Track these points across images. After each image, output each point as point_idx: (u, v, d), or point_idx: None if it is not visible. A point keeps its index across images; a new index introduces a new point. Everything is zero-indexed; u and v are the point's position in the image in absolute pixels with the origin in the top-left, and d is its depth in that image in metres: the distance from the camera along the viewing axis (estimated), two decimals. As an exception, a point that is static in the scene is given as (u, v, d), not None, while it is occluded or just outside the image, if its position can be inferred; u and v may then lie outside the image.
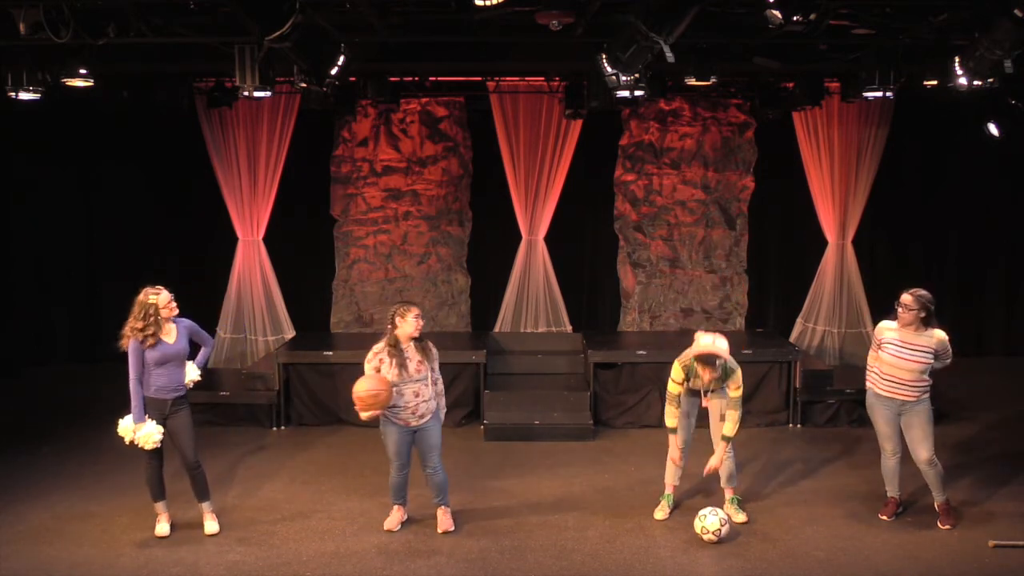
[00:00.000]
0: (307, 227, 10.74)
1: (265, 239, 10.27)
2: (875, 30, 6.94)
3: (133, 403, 5.84)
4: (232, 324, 10.22)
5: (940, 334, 5.98)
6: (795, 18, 5.24)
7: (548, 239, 10.38)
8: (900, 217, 10.90)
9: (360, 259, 10.69)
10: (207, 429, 8.17)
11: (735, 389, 6.05)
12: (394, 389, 5.85)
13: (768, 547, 5.90)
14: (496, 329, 10.31)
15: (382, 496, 6.72)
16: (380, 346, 5.95)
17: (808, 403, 8.72)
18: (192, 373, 6.09)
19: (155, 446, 5.88)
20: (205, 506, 6.19)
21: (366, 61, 7.85)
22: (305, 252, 10.75)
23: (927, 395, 6.03)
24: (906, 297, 5.98)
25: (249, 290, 10.24)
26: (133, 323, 5.82)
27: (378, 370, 5.90)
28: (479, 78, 9.93)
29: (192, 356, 6.13)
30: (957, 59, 6.27)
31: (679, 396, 6.18)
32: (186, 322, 6.04)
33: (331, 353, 8.83)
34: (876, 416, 6.18)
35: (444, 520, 6.17)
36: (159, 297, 5.85)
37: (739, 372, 6.08)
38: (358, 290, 10.71)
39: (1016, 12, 5.38)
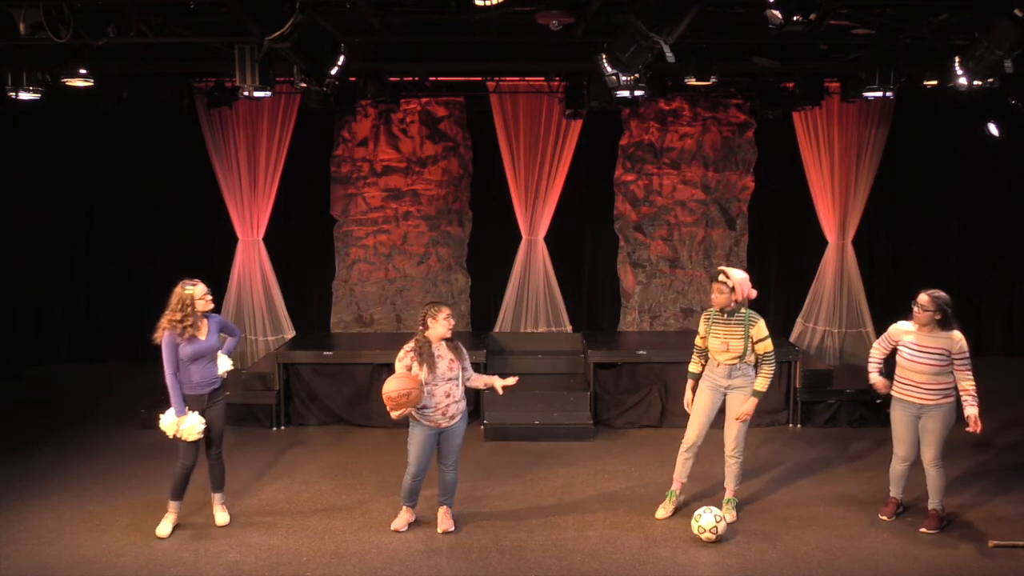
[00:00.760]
0: (307, 227, 10.74)
1: (265, 239, 10.28)
2: (875, 30, 6.94)
3: (172, 397, 5.87)
4: (232, 324, 10.22)
5: (958, 336, 5.87)
6: (795, 18, 5.24)
7: (548, 239, 10.38)
8: (900, 217, 10.91)
9: (360, 259, 10.70)
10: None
11: (762, 342, 6.09)
12: (425, 389, 5.85)
13: (768, 547, 5.90)
14: (496, 329, 10.31)
15: (382, 496, 6.73)
16: (411, 345, 5.95)
17: (808, 403, 8.72)
18: (224, 364, 6.15)
19: (199, 437, 5.93)
20: (217, 496, 6.28)
21: (366, 61, 7.86)
22: (305, 252, 10.76)
23: (948, 398, 5.92)
24: (923, 297, 5.94)
25: (249, 290, 10.25)
26: (171, 315, 5.84)
27: (409, 368, 5.90)
28: (479, 78, 9.94)
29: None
30: (957, 59, 6.27)
31: (704, 350, 6.32)
32: (216, 317, 6.11)
33: (331, 353, 8.83)
34: (894, 417, 6.15)
35: (445, 520, 6.17)
36: (195, 288, 5.89)
37: (762, 322, 6.13)
38: (358, 290, 10.72)
39: (1016, 12, 5.38)
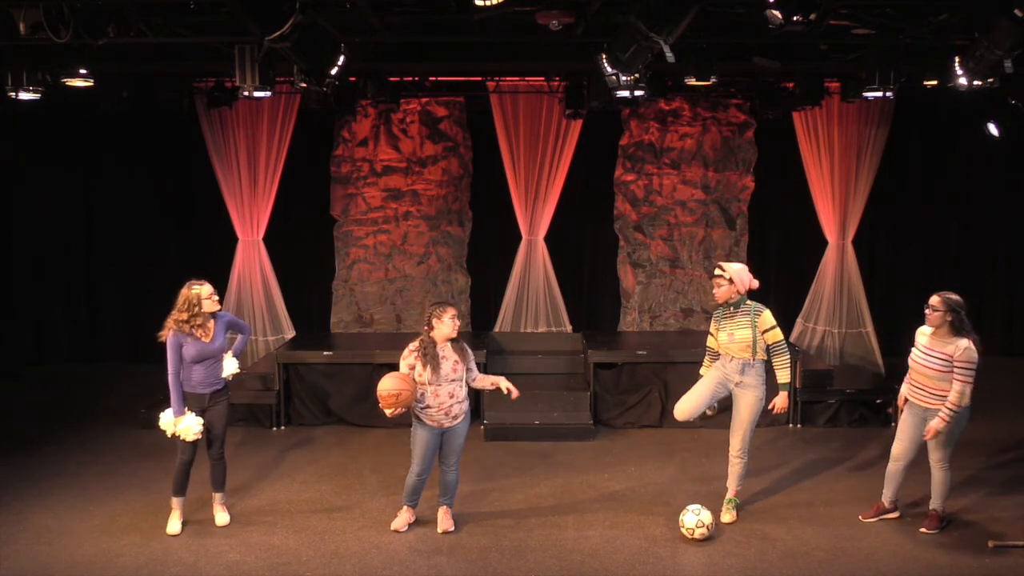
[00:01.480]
0: (307, 227, 10.74)
1: (265, 239, 10.27)
2: (875, 30, 6.94)
3: (172, 397, 5.89)
4: (232, 324, 10.22)
5: (965, 344, 5.74)
6: (795, 18, 5.24)
7: (548, 239, 10.37)
8: (900, 217, 10.91)
9: (360, 259, 10.69)
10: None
11: (770, 331, 6.13)
12: (429, 389, 5.85)
13: (768, 547, 5.90)
14: (496, 329, 10.31)
15: (382, 496, 6.73)
16: (416, 344, 5.95)
17: (808, 403, 8.72)
18: (231, 367, 6.16)
19: (196, 437, 5.94)
20: (218, 496, 6.28)
21: (366, 61, 7.85)
22: (305, 252, 10.75)
23: None
24: (934, 298, 5.89)
25: (249, 290, 10.24)
26: (177, 315, 5.86)
27: (413, 368, 5.90)
28: (479, 78, 9.93)
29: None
30: (957, 59, 6.27)
31: (715, 352, 6.36)
32: (225, 316, 6.12)
33: (331, 353, 8.83)
34: (902, 416, 6.14)
35: (445, 520, 6.17)
36: (203, 288, 5.91)
37: (767, 312, 6.18)
38: (358, 290, 10.71)
39: (1016, 12, 5.38)
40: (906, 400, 6.13)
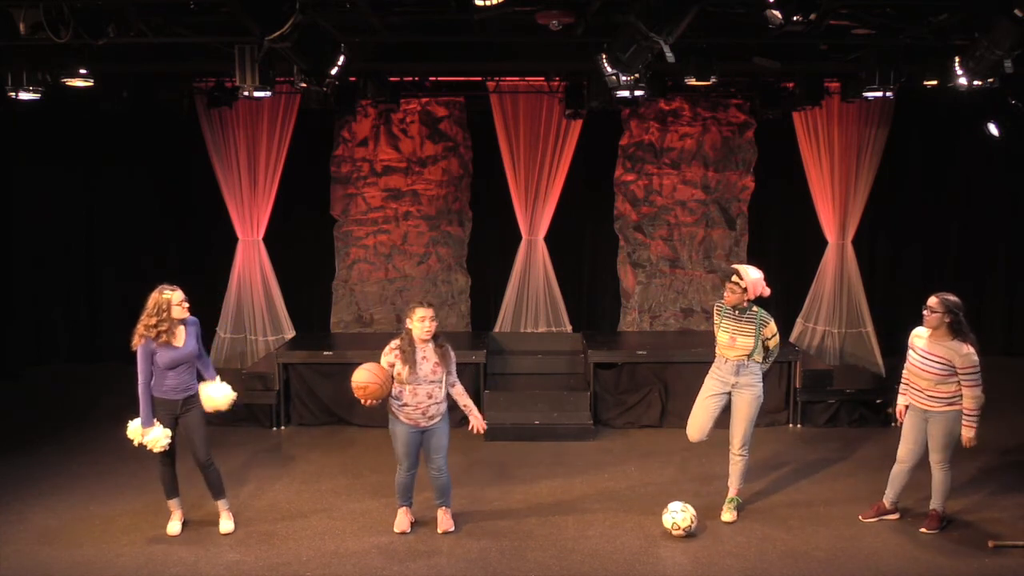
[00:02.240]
0: (307, 227, 10.73)
1: (265, 239, 10.27)
2: (875, 30, 6.94)
3: (142, 407, 5.85)
4: (232, 324, 10.22)
5: (964, 350, 5.75)
6: (795, 18, 5.24)
7: (548, 239, 10.37)
8: (900, 217, 10.90)
9: (360, 259, 10.69)
10: (207, 429, 8.16)
11: (772, 338, 6.24)
12: (407, 388, 5.85)
13: (768, 547, 5.91)
14: (496, 329, 10.31)
15: (382, 496, 6.73)
16: (397, 342, 5.96)
17: (808, 403, 8.72)
18: (223, 391, 6.08)
19: (163, 450, 5.90)
20: (221, 504, 6.22)
21: (366, 61, 7.85)
22: (305, 252, 10.74)
23: (954, 406, 5.84)
24: (932, 299, 5.88)
25: (249, 290, 10.24)
26: (146, 320, 5.82)
27: (392, 365, 5.90)
28: (479, 78, 9.93)
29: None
30: (957, 59, 6.27)
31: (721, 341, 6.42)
32: (194, 321, 6.06)
33: (331, 353, 8.83)
34: (905, 418, 6.14)
35: (444, 520, 6.17)
36: (173, 295, 5.86)
37: (773, 323, 6.25)
38: (358, 290, 10.71)
39: (1016, 12, 5.38)
40: (907, 407, 6.13)
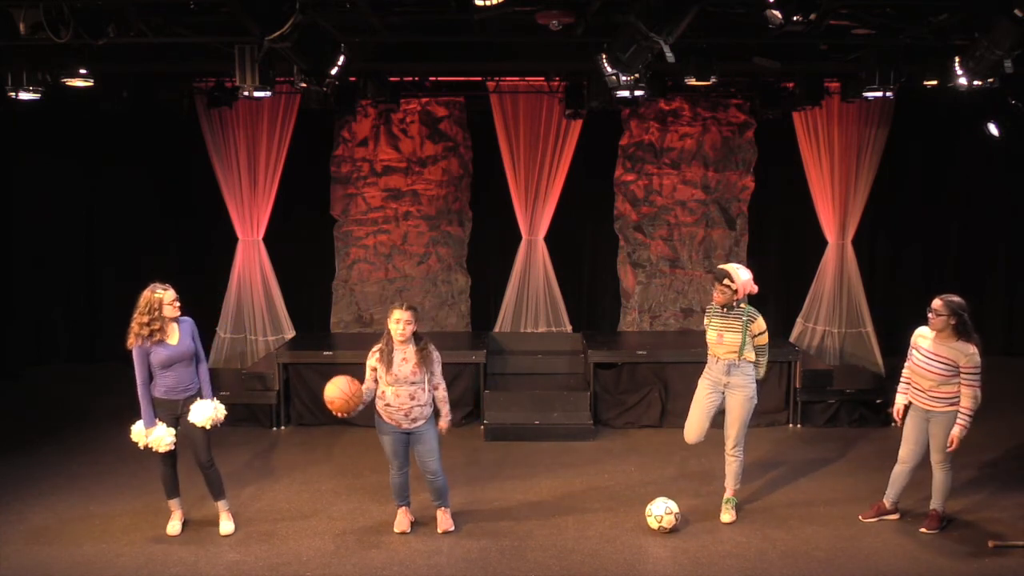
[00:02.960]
0: (307, 227, 10.74)
1: (265, 239, 10.27)
2: (875, 30, 6.94)
3: (142, 408, 5.85)
4: (232, 324, 10.22)
5: (969, 350, 5.76)
6: (795, 18, 5.24)
7: (548, 239, 10.38)
8: (900, 217, 10.91)
9: (360, 259, 10.69)
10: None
11: (760, 335, 6.21)
12: (390, 389, 5.84)
13: (768, 547, 5.91)
14: (496, 329, 10.31)
15: (382, 496, 6.72)
16: (379, 344, 5.95)
17: (808, 403, 8.72)
18: (205, 412, 5.95)
19: (168, 448, 5.90)
20: (221, 504, 6.20)
21: (366, 61, 7.85)
22: (305, 252, 10.75)
23: (955, 406, 5.84)
24: (936, 302, 5.87)
25: (249, 290, 10.24)
26: (139, 318, 5.82)
27: (375, 369, 5.90)
28: (479, 78, 9.93)
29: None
30: (957, 59, 6.27)
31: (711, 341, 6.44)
32: (189, 320, 6.04)
33: (331, 353, 8.83)
34: (907, 419, 6.14)
35: (444, 520, 6.17)
36: (165, 294, 5.86)
37: (761, 319, 6.24)
38: (358, 290, 10.71)
39: (1016, 12, 5.38)
40: (906, 407, 6.13)
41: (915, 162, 10.80)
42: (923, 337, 6.00)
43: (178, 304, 5.91)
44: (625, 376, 8.79)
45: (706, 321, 6.40)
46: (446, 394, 6.06)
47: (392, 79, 9.25)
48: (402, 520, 6.19)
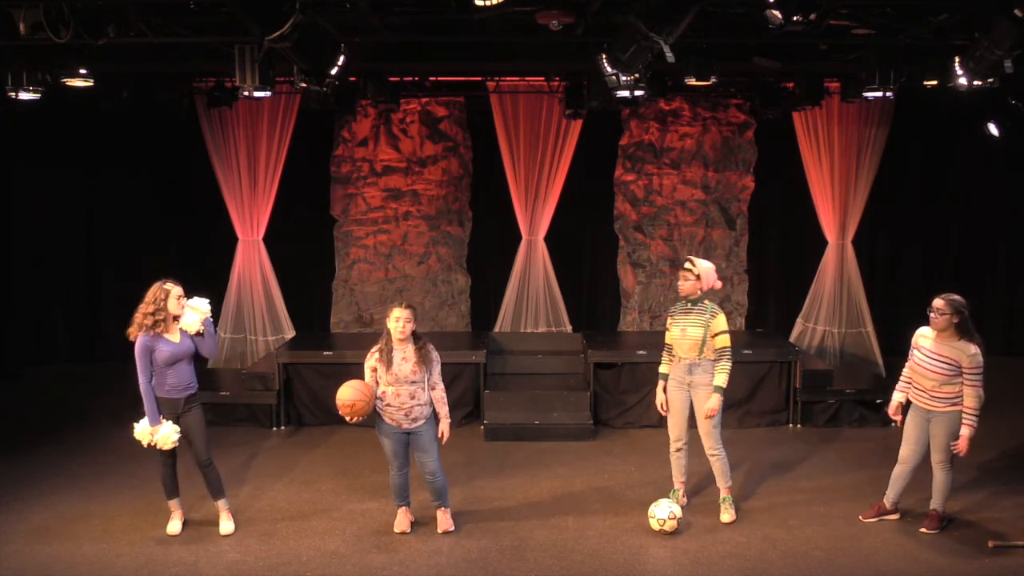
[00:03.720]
0: (307, 227, 10.74)
1: (265, 239, 10.28)
2: (875, 30, 6.95)
3: (146, 406, 5.83)
4: (232, 324, 10.23)
5: (971, 350, 5.74)
6: (795, 18, 5.24)
7: (548, 239, 10.38)
8: (900, 217, 10.91)
9: (360, 259, 10.70)
10: (207, 429, 8.17)
11: (720, 335, 6.16)
12: (390, 389, 5.84)
13: (768, 547, 5.90)
14: (496, 329, 10.31)
15: (382, 496, 6.72)
16: (378, 345, 5.95)
17: (808, 403, 8.72)
18: (194, 316, 5.89)
19: (174, 446, 5.91)
20: (221, 504, 6.20)
21: (366, 61, 7.86)
22: (305, 252, 10.75)
23: (957, 406, 5.82)
24: (937, 301, 5.85)
25: (249, 290, 10.25)
26: (143, 308, 5.82)
27: (375, 369, 5.90)
28: (479, 78, 9.94)
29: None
30: (957, 59, 6.27)
31: (668, 345, 6.43)
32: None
33: (331, 353, 8.82)
34: (907, 419, 6.13)
35: (444, 520, 6.17)
36: (172, 288, 5.87)
37: (722, 316, 6.22)
38: (358, 290, 10.71)
39: (1016, 12, 5.38)
40: (901, 405, 6.13)
41: (915, 162, 10.81)
42: (924, 337, 6.00)
43: (183, 303, 5.91)
44: (625, 376, 8.79)
45: (669, 321, 6.41)
46: (444, 395, 6.03)
47: (392, 79, 9.25)
48: (402, 520, 6.18)
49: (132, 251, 10.78)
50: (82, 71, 7.25)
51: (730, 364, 6.18)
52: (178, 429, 5.89)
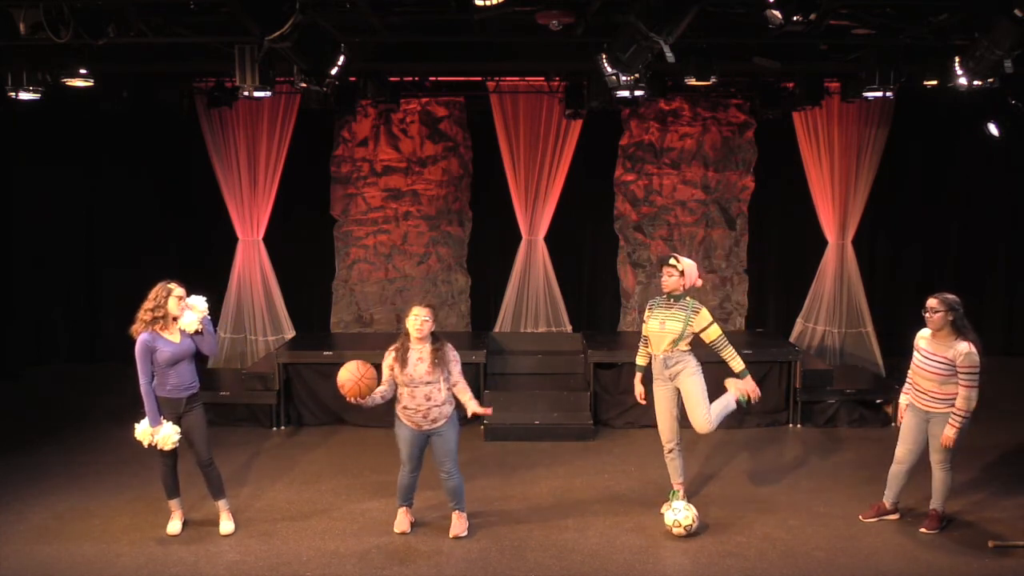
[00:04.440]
0: (307, 227, 10.74)
1: (265, 239, 10.28)
2: (875, 30, 6.95)
3: (147, 407, 5.82)
4: (232, 324, 10.23)
5: (964, 348, 5.72)
6: (795, 18, 5.24)
7: (548, 239, 10.38)
8: (900, 217, 10.90)
9: (360, 259, 10.70)
10: (207, 429, 8.17)
11: (708, 328, 6.20)
12: (406, 390, 5.85)
13: (768, 547, 5.90)
14: (496, 329, 10.31)
15: (382, 496, 6.73)
16: (395, 344, 5.97)
17: (808, 403, 8.72)
18: (193, 317, 5.92)
19: (175, 446, 5.91)
20: (221, 504, 6.20)
21: (366, 61, 7.86)
22: (305, 252, 10.75)
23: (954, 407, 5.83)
24: (931, 300, 5.86)
25: (249, 290, 10.24)
26: (146, 305, 5.83)
27: (392, 367, 5.91)
28: (479, 78, 9.94)
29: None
30: (957, 59, 6.27)
31: (645, 337, 6.44)
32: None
33: (331, 353, 8.82)
34: (904, 419, 6.13)
35: (458, 524, 6.12)
36: (175, 288, 5.88)
37: (705, 311, 6.23)
38: (358, 290, 10.71)
39: (1016, 12, 5.38)
40: (907, 406, 6.13)
41: (915, 162, 10.80)
42: (923, 338, 6.00)
43: (184, 304, 5.91)
44: (625, 376, 8.79)
45: (647, 315, 6.41)
46: (466, 386, 6.02)
47: (392, 79, 9.25)
48: (402, 520, 6.18)
49: (132, 251, 10.76)
50: (82, 71, 7.25)
51: (732, 348, 6.26)
52: (179, 430, 5.89)
